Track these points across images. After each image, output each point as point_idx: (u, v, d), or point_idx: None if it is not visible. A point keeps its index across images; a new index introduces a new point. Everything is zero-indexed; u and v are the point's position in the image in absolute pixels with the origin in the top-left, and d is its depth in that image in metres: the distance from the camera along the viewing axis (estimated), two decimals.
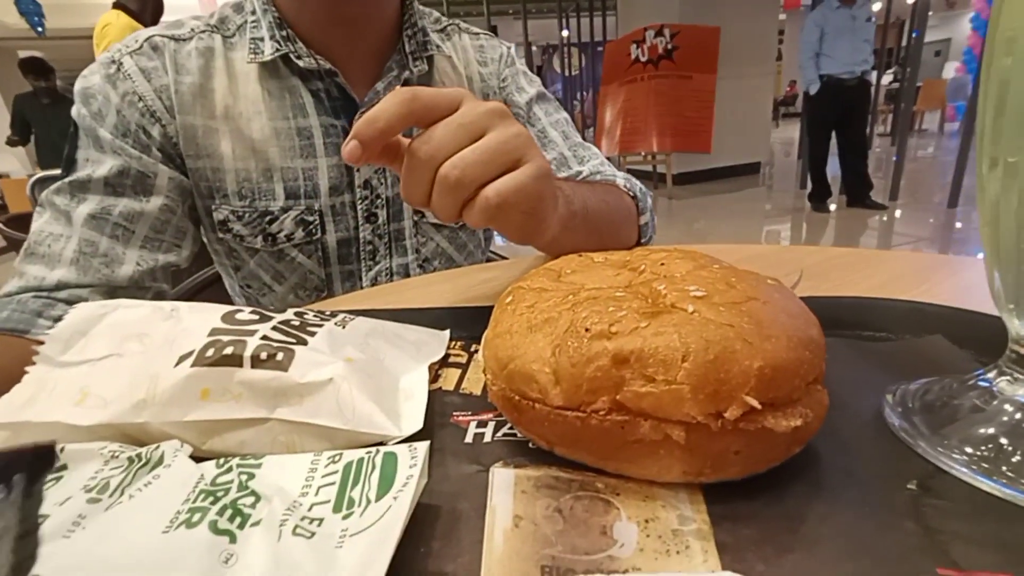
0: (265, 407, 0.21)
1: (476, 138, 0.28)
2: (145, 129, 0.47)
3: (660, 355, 0.16)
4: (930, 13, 3.70)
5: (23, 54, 3.77)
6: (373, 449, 0.18)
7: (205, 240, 0.56)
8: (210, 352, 0.21)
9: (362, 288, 0.58)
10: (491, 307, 0.34)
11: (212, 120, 0.50)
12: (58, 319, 0.41)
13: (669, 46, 3.78)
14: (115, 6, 2.27)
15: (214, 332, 0.22)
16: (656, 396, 0.16)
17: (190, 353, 0.21)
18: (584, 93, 6.40)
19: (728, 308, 0.18)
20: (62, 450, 0.19)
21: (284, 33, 0.50)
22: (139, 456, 0.19)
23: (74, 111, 0.47)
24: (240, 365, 0.21)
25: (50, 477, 0.19)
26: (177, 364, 0.21)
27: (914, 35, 4.19)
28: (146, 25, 2.31)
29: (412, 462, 0.17)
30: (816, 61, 3.37)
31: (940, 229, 3.08)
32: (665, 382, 0.16)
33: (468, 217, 0.29)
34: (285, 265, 0.55)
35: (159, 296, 0.49)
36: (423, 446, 0.18)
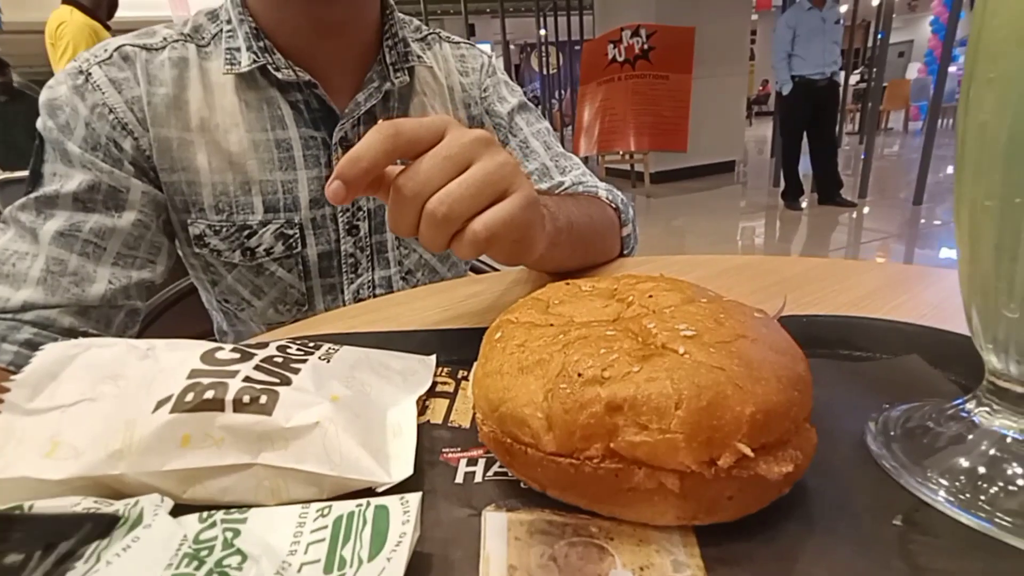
0: (249, 453, 0.20)
1: (462, 170, 0.28)
2: (116, 142, 0.45)
3: (653, 403, 0.16)
4: (893, 15, 3.82)
5: None
6: (363, 502, 0.18)
7: (180, 254, 0.54)
8: (190, 396, 0.20)
9: (344, 301, 0.57)
10: (478, 329, 0.34)
11: (187, 132, 0.48)
12: (23, 343, 0.40)
13: (645, 46, 3.82)
14: (66, 2, 2.17)
15: (193, 374, 0.21)
16: (651, 445, 0.16)
17: (168, 398, 0.20)
18: (562, 92, 6.42)
19: (718, 348, 0.18)
20: (30, 508, 0.18)
21: (262, 44, 0.49)
22: (123, 515, 0.18)
23: (39, 123, 0.45)
24: (222, 409, 0.20)
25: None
26: (155, 410, 0.20)
27: (880, 36, 4.32)
28: (102, 22, 2.22)
29: (405, 517, 0.17)
30: (788, 62, 3.45)
31: (907, 226, 3.19)
32: (659, 431, 0.16)
33: (457, 250, 0.28)
34: (264, 279, 0.53)
35: (133, 313, 0.48)
36: (415, 499, 0.17)
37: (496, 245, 0.29)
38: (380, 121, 0.28)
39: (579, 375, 0.17)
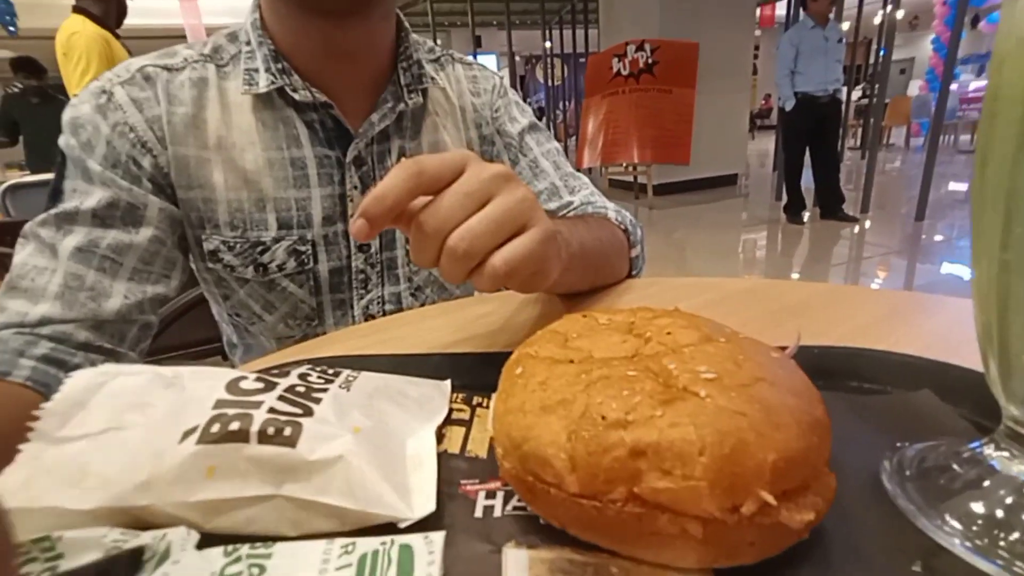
0: (272, 484, 0.20)
1: (481, 205, 0.29)
2: (136, 160, 0.46)
3: (676, 449, 0.16)
4: (895, 33, 3.86)
5: (4, 53, 3.66)
6: (388, 540, 0.18)
7: (193, 268, 0.55)
8: (216, 427, 0.21)
9: (353, 317, 0.57)
10: (492, 354, 0.35)
11: (204, 151, 0.49)
12: (40, 358, 0.40)
13: (650, 60, 3.85)
14: (75, 11, 2.20)
15: (219, 404, 0.22)
16: (674, 492, 0.16)
17: (195, 428, 0.21)
18: (566, 103, 6.46)
19: (738, 392, 0.18)
20: (59, 539, 0.19)
21: (280, 66, 0.50)
22: (145, 548, 0.18)
23: (62, 141, 0.46)
24: (247, 441, 0.20)
25: (44, 568, 0.18)
26: (182, 440, 0.20)
27: (882, 53, 4.36)
28: (111, 30, 2.24)
29: (430, 558, 0.17)
30: (791, 79, 3.48)
31: (908, 241, 3.20)
32: (683, 477, 0.16)
33: (477, 283, 0.29)
34: (276, 295, 0.54)
35: (146, 328, 0.48)
36: (439, 538, 0.18)
37: (514, 278, 0.30)
38: (402, 159, 0.29)
39: (603, 417, 0.18)
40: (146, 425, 0.22)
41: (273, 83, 0.49)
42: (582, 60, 5.21)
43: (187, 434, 0.21)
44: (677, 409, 0.17)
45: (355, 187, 0.54)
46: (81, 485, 0.20)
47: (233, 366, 0.63)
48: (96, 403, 0.22)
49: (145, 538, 0.18)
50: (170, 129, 0.47)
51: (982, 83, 7.28)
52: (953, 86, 3.76)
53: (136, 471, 0.20)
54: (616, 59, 3.98)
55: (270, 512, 0.20)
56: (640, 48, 3.85)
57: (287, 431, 0.21)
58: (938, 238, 3.22)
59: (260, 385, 0.23)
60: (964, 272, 2.62)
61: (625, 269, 0.54)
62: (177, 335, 0.70)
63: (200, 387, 0.23)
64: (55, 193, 0.45)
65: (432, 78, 0.58)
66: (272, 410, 0.22)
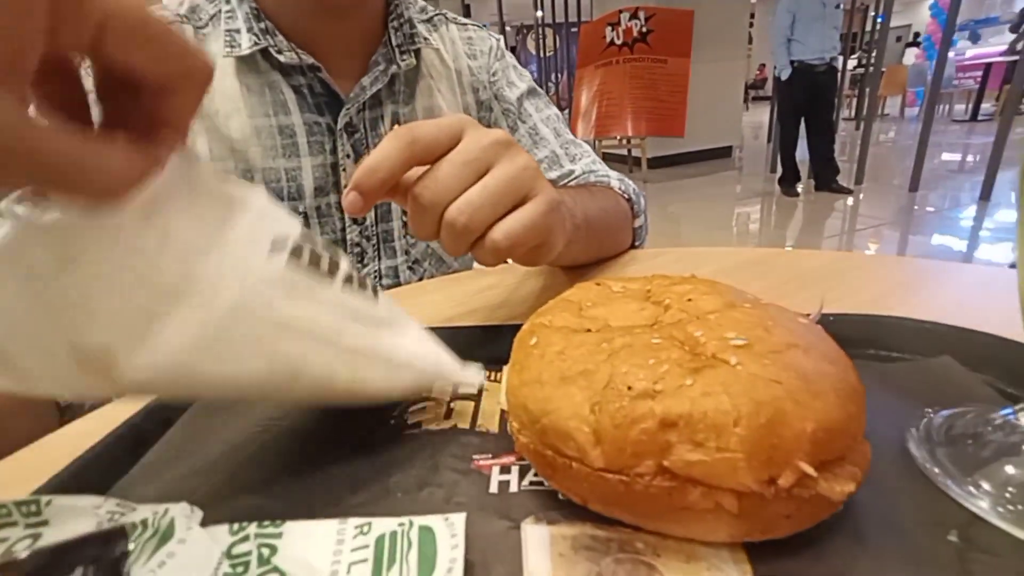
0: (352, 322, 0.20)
1: (481, 175, 0.27)
2: None
3: (710, 419, 0.15)
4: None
5: None
6: (405, 521, 0.17)
7: None
8: (306, 252, 0.19)
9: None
10: (499, 327, 0.33)
11: None
12: None
13: (644, 29, 3.75)
14: None
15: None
16: (708, 464, 0.15)
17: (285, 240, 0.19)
18: (559, 75, 6.33)
19: (772, 359, 0.17)
20: (48, 503, 0.17)
21: (263, 25, 0.47)
22: (144, 523, 0.17)
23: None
24: (332, 278, 0.20)
25: (24, 535, 0.17)
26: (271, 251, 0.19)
27: (879, 20, 4.28)
28: None
29: (453, 541, 0.16)
30: (788, 47, 3.41)
31: (902, 213, 3.20)
32: (717, 449, 0.15)
33: (478, 256, 0.28)
34: None
35: None
36: (460, 520, 0.17)
37: (517, 251, 0.28)
38: (396, 126, 0.27)
39: (629, 388, 0.17)
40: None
41: (256, 44, 0.46)
42: (575, 30, 5.07)
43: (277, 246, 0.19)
44: (708, 378, 0.16)
45: (348, 156, 0.51)
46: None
47: None
48: None
49: (143, 512, 0.17)
50: None
51: (980, 50, 7.20)
52: (951, 53, 3.70)
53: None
54: (609, 28, 3.88)
55: (327, 350, 0.20)
56: (634, 16, 3.75)
57: (368, 287, 0.21)
58: (930, 209, 3.22)
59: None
60: (956, 243, 2.63)
61: (629, 239, 0.52)
62: None
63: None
64: None
65: (425, 38, 0.55)
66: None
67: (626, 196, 0.52)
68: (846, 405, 0.17)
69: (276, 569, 0.16)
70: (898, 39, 10.18)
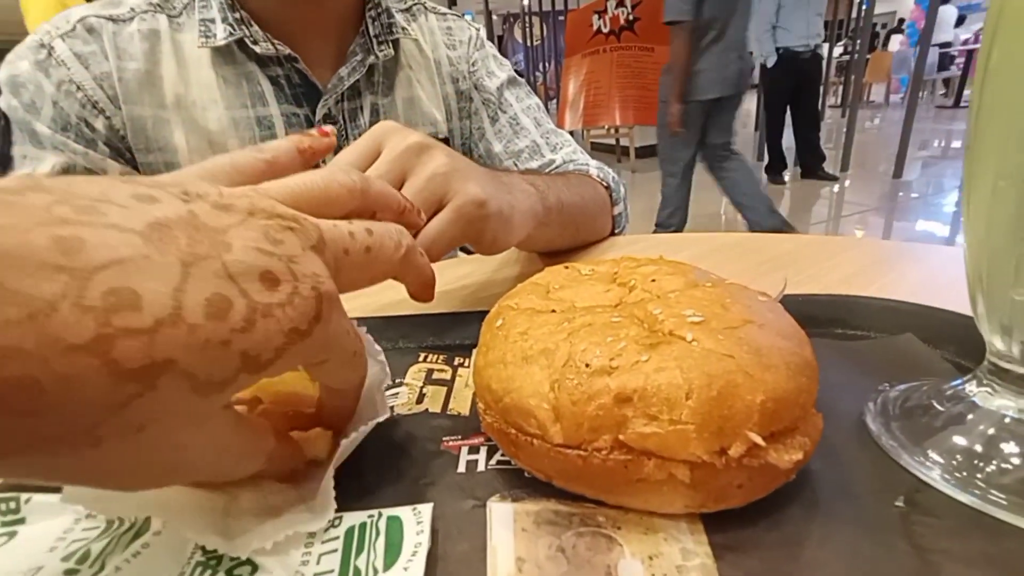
0: None
1: (398, 187, 0.28)
2: (87, 121, 0.43)
3: (663, 393, 0.16)
4: None
5: None
6: (375, 512, 0.17)
7: None
8: None
9: None
10: (473, 313, 0.34)
11: (162, 110, 0.46)
12: None
13: (631, 17, 3.73)
14: None
15: None
16: (661, 436, 0.16)
17: None
18: (546, 64, 6.29)
19: (726, 335, 0.17)
20: (27, 501, 0.18)
21: (238, 15, 0.46)
22: (120, 519, 0.17)
23: (2, 102, 0.42)
24: None
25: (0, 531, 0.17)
26: None
27: (864, 7, 4.29)
28: None
29: (419, 528, 0.16)
30: (773, 33, 3.41)
31: (886, 199, 3.24)
32: (669, 421, 0.16)
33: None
34: None
35: None
36: (427, 509, 0.17)
37: (437, 258, 0.28)
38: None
39: (587, 365, 0.17)
40: None
41: (232, 34, 0.46)
42: (562, 18, 5.04)
43: None
44: (663, 353, 0.17)
45: None
46: None
47: None
48: None
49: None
50: (122, 87, 0.44)
51: (964, 35, 7.25)
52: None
53: None
54: (596, 15, 3.86)
55: None
56: (620, 3, 3.73)
57: None
58: (914, 195, 3.26)
59: None
60: (940, 229, 2.67)
61: (608, 227, 0.53)
62: None
63: None
64: (3, 160, 0.42)
65: (403, 28, 0.55)
66: None
67: (604, 184, 0.53)
68: (796, 378, 0.17)
69: (248, 562, 0.16)
70: (883, 26, 10.24)
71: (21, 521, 0.18)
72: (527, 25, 6.28)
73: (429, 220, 0.28)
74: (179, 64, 0.46)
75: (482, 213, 0.30)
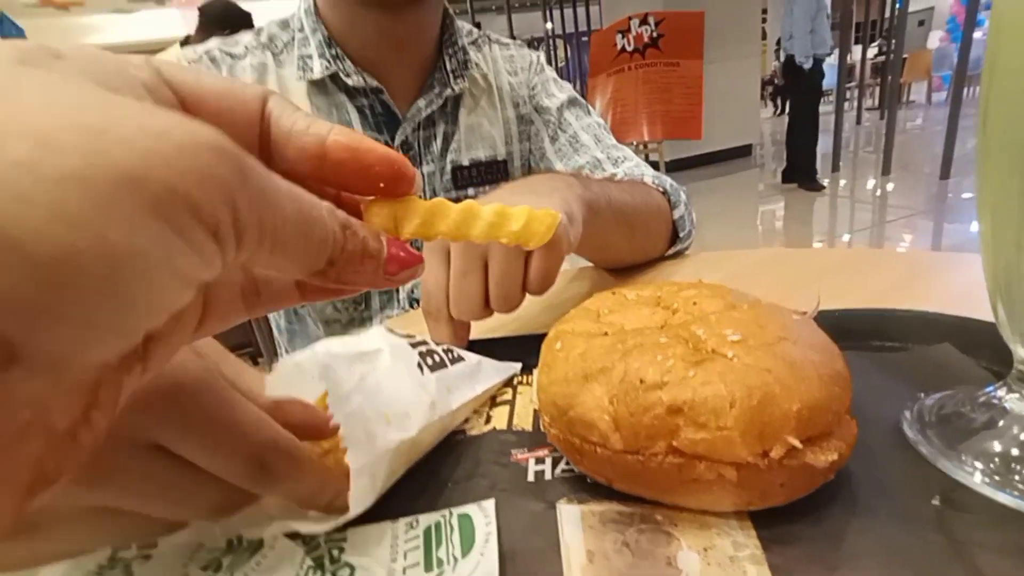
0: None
1: (484, 269, 0.33)
2: None
3: (710, 404, 0.18)
4: None
5: None
6: (446, 512, 0.21)
7: None
8: (429, 361, 0.27)
9: (398, 300, 0.60)
10: (526, 337, 0.37)
11: None
12: None
13: (654, 34, 3.78)
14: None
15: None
16: (709, 442, 0.18)
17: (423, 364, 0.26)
18: (572, 85, 6.39)
19: (763, 351, 0.20)
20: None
21: (334, 52, 0.53)
22: (239, 539, 0.21)
23: None
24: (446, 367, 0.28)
25: (137, 554, 0.20)
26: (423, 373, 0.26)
27: (898, 6, 4.19)
28: None
29: (487, 519, 0.19)
30: (811, 38, 3.39)
31: (934, 200, 3.11)
32: (716, 428, 0.18)
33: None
34: None
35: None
36: (491, 505, 0.20)
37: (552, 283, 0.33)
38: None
39: (641, 381, 0.20)
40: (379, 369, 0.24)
41: (328, 69, 0.52)
42: (585, 39, 5.13)
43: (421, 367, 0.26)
44: (707, 369, 0.19)
45: None
46: (392, 423, 0.22)
47: (273, 359, 0.66)
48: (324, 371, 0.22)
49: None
50: None
51: None
52: (977, 34, 3.59)
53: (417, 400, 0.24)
54: (620, 35, 3.92)
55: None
56: (644, 21, 3.78)
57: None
58: (966, 196, 3.11)
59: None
60: None
61: (668, 231, 0.53)
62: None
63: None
64: None
65: (476, 64, 0.60)
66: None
67: (660, 189, 0.53)
68: (829, 387, 0.19)
69: (346, 564, 0.19)
70: (920, 23, 9.91)
71: (154, 544, 0.21)
72: (551, 48, 6.42)
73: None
74: (283, 95, 0.53)
75: (562, 227, 0.34)
